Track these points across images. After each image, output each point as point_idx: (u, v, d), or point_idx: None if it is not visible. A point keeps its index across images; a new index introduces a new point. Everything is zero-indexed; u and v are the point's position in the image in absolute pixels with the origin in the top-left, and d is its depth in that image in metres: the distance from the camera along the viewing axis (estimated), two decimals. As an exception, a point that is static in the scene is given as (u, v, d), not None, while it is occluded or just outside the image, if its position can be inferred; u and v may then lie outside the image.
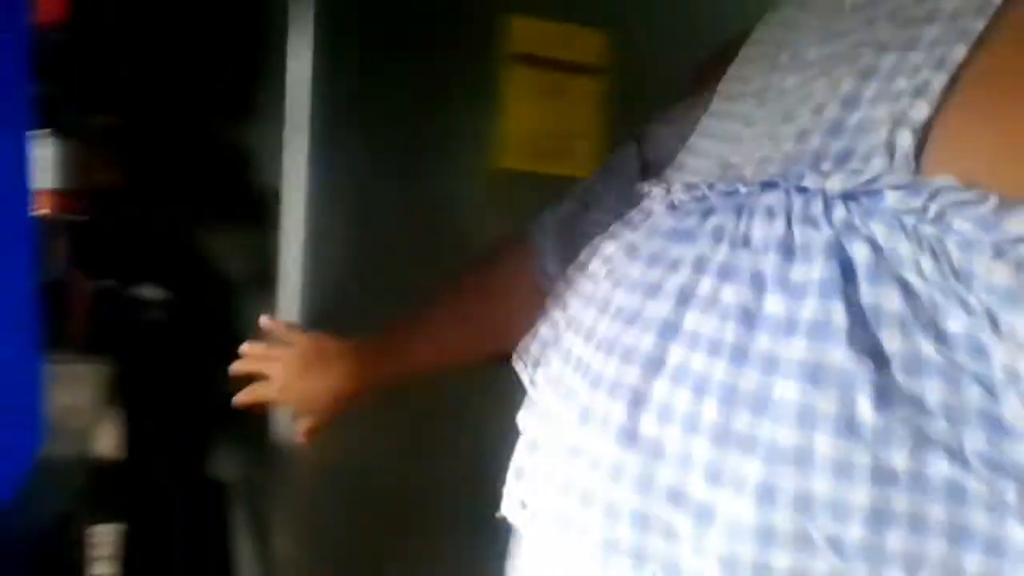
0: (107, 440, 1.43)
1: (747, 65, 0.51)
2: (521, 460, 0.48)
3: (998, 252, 0.32)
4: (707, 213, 0.42)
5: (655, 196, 0.49)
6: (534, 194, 1.14)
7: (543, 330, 0.54)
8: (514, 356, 0.56)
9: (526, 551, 0.47)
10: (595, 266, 0.49)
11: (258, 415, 1.01)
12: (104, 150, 1.42)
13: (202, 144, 1.38)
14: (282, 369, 0.88)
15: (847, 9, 0.43)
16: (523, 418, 0.50)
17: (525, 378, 0.54)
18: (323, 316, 1.07)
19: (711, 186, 0.43)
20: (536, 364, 0.53)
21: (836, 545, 0.33)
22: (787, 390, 0.34)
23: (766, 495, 0.34)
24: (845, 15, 0.43)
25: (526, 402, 0.52)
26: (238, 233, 1.31)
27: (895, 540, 0.32)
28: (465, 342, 0.83)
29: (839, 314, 0.34)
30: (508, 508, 0.49)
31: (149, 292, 1.49)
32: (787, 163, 0.40)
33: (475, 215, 1.16)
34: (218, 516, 1.33)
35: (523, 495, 0.47)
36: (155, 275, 1.48)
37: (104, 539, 1.32)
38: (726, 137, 0.49)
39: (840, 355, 0.33)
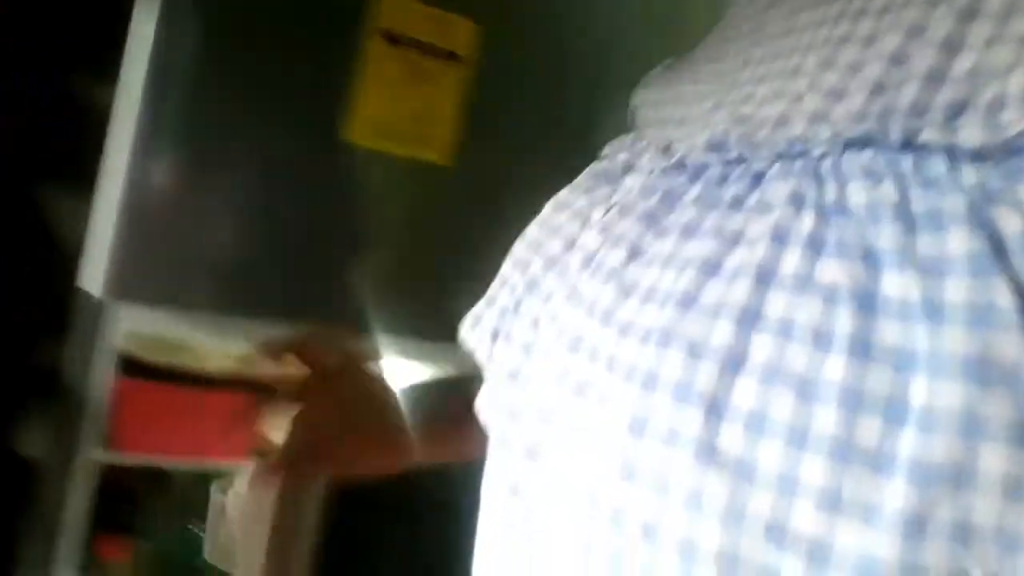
0: None
1: (728, 32, 0.45)
2: (514, 472, 0.39)
3: None
4: (759, 177, 0.35)
5: (643, 159, 0.42)
6: (381, 174, 1.12)
7: (500, 295, 0.46)
8: (462, 328, 0.49)
9: None
10: (569, 230, 0.42)
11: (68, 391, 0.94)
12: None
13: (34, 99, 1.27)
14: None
15: None
16: (493, 411, 0.42)
17: (480, 354, 0.46)
18: (140, 282, 0.99)
19: (753, 144, 0.35)
20: (495, 336, 0.45)
21: None
22: (950, 394, 0.27)
23: (912, 525, 0.27)
24: None
25: (487, 389, 0.44)
26: (51, 200, 1.21)
27: None
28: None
29: (1003, 295, 0.26)
30: (499, 528, 0.40)
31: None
32: (851, 126, 0.33)
33: (319, 189, 1.11)
34: (17, 493, 1.22)
35: (525, 518, 0.38)
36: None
37: None
38: (723, 80, 0.41)
39: (1012, 346, 0.26)
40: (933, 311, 0.27)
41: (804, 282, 0.30)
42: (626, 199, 0.40)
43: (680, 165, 0.39)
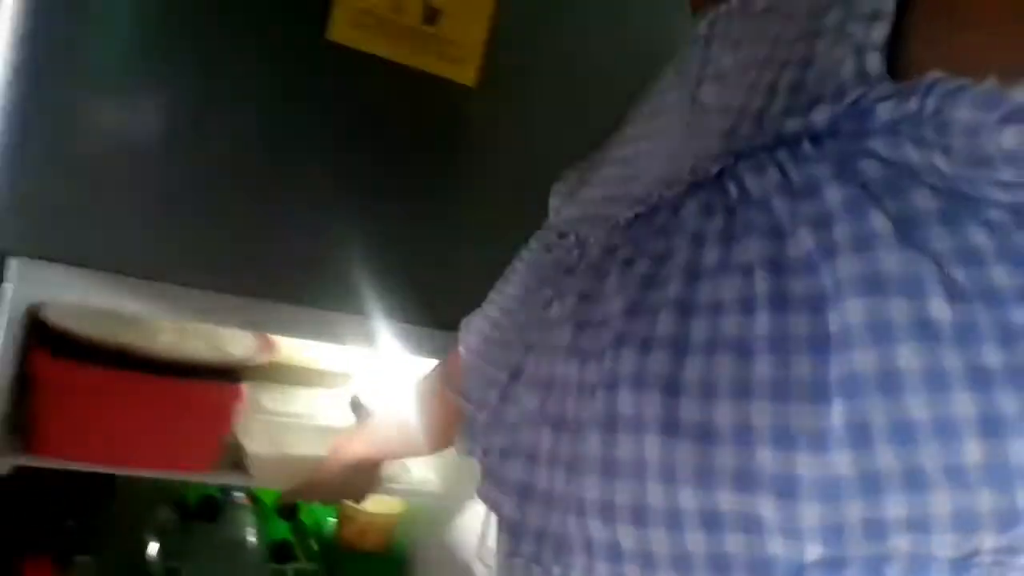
0: None
1: (654, 101, 0.52)
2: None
3: (1006, 121, 0.30)
4: (676, 208, 0.41)
5: (567, 245, 0.51)
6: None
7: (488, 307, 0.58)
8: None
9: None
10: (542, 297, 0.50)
11: None
12: None
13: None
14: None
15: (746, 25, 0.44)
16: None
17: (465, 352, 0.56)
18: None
19: (662, 193, 0.43)
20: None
21: (954, 473, 0.31)
22: (854, 311, 0.32)
23: (858, 437, 0.31)
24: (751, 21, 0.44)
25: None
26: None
27: (1019, 451, 0.31)
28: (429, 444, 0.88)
29: (878, 220, 0.33)
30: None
31: None
32: (739, 144, 0.39)
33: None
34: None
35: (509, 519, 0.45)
36: None
37: None
38: (637, 161, 0.50)
39: (895, 258, 0.32)
40: (827, 252, 0.33)
41: (723, 268, 0.36)
42: (572, 287, 0.47)
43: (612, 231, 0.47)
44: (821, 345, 0.32)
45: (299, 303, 0.90)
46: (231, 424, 1.03)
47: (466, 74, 0.82)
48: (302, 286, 0.90)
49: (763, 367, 0.33)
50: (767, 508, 0.33)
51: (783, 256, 0.34)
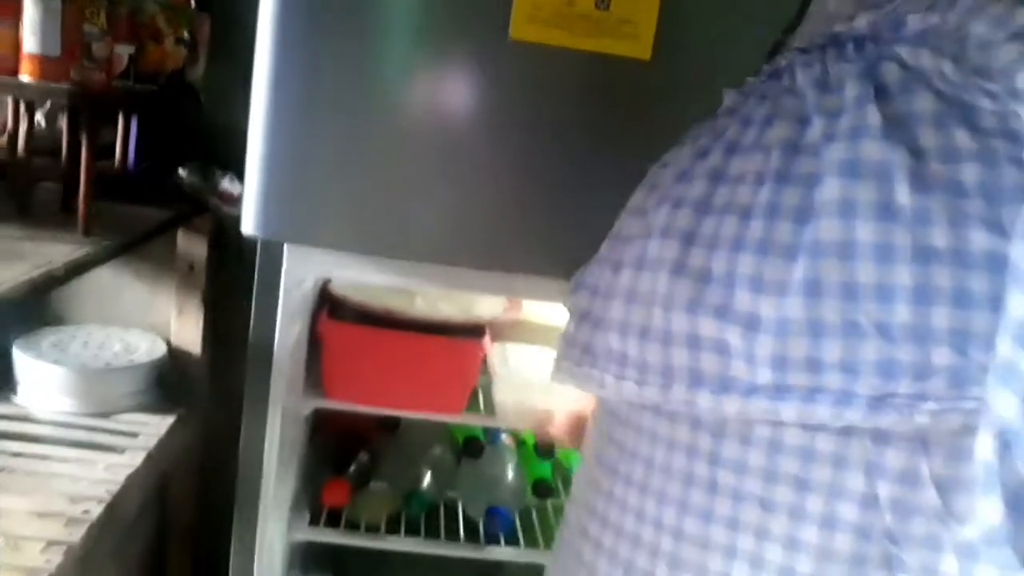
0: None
1: None
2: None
3: (1012, 38, 0.35)
4: (747, 96, 0.49)
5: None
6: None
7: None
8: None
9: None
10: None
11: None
12: None
13: None
14: None
15: None
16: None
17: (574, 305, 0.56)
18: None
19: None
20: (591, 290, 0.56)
21: (883, 329, 0.37)
22: (830, 189, 0.39)
23: (811, 289, 0.39)
24: None
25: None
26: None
27: (940, 317, 0.36)
28: None
29: (873, 116, 0.38)
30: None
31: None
32: (804, 41, 0.49)
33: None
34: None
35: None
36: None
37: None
38: None
39: (875, 148, 0.38)
40: (828, 138, 0.40)
41: (755, 146, 0.44)
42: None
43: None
44: (803, 215, 0.39)
45: (540, 274, 0.99)
46: (479, 375, 1.18)
47: (641, 49, 0.86)
48: (540, 257, 0.98)
49: (756, 228, 0.41)
50: (735, 336, 0.41)
51: (799, 139, 0.41)
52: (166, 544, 1.50)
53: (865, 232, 0.38)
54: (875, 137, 0.38)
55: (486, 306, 1.23)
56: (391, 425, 1.34)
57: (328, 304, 1.15)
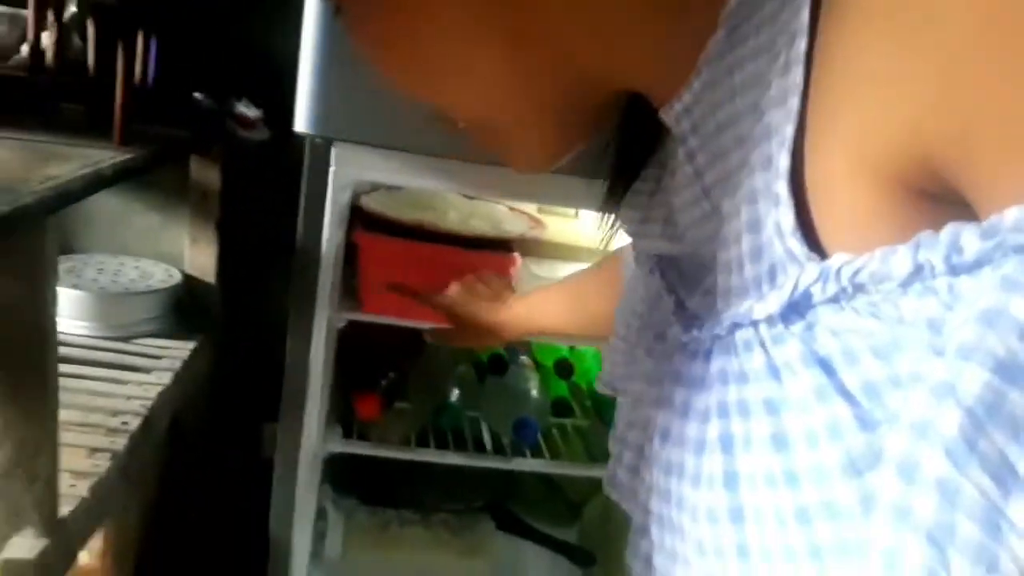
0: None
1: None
2: None
3: (904, 287, 0.32)
4: (708, 355, 0.44)
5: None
6: None
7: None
8: None
9: None
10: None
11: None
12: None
13: None
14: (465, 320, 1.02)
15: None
16: None
17: None
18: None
19: (701, 327, 0.45)
20: None
21: None
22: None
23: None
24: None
25: None
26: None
27: None
28: (591, 322, 0.93)
29: (843, 411, 0.35)
30: None
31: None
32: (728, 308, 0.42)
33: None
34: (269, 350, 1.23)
35: None
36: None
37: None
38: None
39: (859, 443, 0.34)
40: (812, 439, 0.36)
41: (748, 441, 0.39)
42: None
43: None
44: (730, 470, 0.38)
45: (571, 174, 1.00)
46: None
47: None
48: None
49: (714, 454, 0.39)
50: None
51: (785, 434, 0.38)
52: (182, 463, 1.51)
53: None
54: (855, 435, 0.34)
55: (514, 223, 1.25)
56: (417, 347, 1.35)
57: (361, 221, 1.16)
